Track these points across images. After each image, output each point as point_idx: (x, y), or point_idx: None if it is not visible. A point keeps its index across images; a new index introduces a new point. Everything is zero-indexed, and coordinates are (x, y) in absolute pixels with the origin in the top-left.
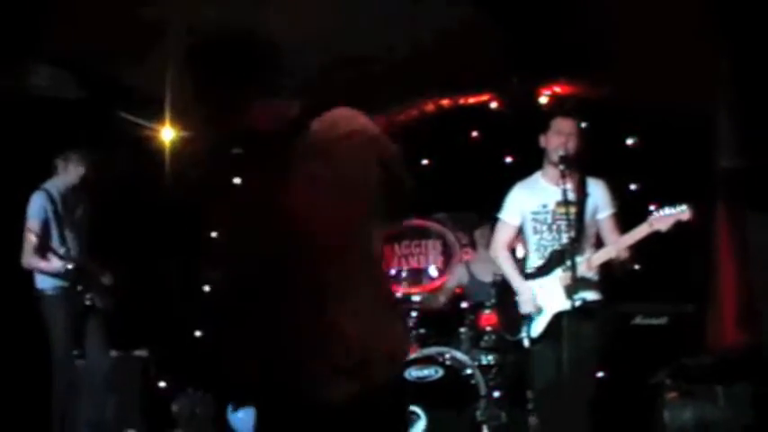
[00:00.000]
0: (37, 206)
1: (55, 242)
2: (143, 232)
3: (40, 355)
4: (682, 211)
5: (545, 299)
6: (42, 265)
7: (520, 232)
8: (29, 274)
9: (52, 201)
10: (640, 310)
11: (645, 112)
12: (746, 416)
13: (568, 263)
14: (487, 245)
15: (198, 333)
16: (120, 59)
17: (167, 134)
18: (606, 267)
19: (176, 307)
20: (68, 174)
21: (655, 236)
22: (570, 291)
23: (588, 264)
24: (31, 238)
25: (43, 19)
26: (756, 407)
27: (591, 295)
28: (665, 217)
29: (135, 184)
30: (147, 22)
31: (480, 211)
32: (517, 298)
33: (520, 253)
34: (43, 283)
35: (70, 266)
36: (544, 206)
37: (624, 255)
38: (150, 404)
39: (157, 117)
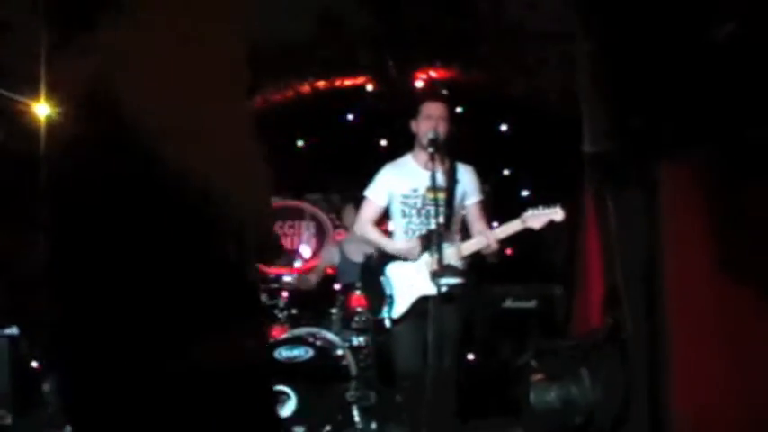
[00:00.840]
0: None
1: None
2: (14, 208)
3: None
4: (554, 213)
5: (409, 282)
6: None
7: (387, 214)
8: None
9: None
10: (510, 293)
11: (516, 98)
12: (610, 396)
13: (435, 249)
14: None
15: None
16: None
17: (42, 110)
18: (474, 255)
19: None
20: None
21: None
22: (436, 276)
23: (458, 252)
24: None
25: None
26: (620, 387)
27: (455, 280)
28: (538, 216)
29: (7, 161)
30: None
31: (352, 192)
32: (390, 269)
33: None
34: None
35: None
36: (415, 190)
37: (493, 247)
38: (21, 383)
39: (32, 92)
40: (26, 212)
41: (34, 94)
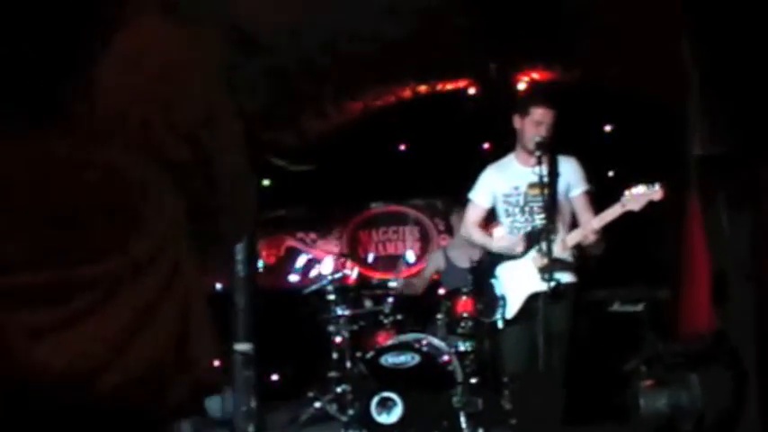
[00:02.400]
0: None
1: None
2: None
3: None
4: (653, 191)
5: (519, 281)
6: None
7: (494, 216)
8: None
9: None
10: (617, 297)
11: (620, 99)
12: (721, 402)
13: (543, 244)
14: None
15: None
16: None
17: None
18: (580, 248)
19: None
20: None
21: (628, 216)
22: (545, 272)
23: (563, 244)
24: None
25: None
26: (730, 392)
27: (565, 277)
28: (637, 197)
29: None
30: None
31: (456, 196)
32: (500, 270)
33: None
34: None
35: None
36: (516, 188)
37: (591, 238)
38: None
39: None
40: None
41: None
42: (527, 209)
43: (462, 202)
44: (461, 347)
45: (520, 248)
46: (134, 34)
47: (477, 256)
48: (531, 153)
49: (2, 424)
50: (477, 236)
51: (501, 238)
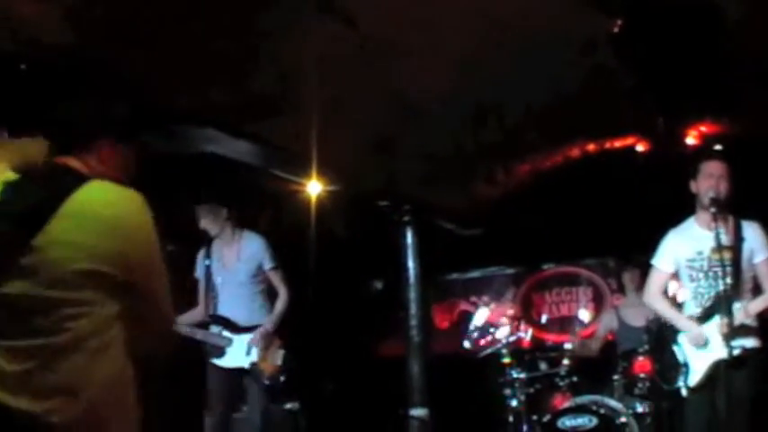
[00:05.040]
0: None
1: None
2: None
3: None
4: None
5: (703, 348)
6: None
7: (677, 278)
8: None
9: None
10: None
11: None
12: None
13: (726, 310)
14: (636, 289)
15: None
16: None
17: (314, 188)
18: (763, 313)
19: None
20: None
21: None
22: (729, 338)
23: (746, 311)
24: None
25: None
26: None
27: (750, 342)
28: None
29: (281, 240)
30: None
31: (628, 254)
32: (683, 336)
33: (681, 298)
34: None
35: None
36: (699, 253)
37: None
38: None
39: (304, 171)
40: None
41: (306, 174)
42: (710, 273)
43: (634, 262)
44: (639, 408)
45: (701, 341)
46: (81, 196)
47: (651, 314)
48: (707, 210)
49: None
50: (662, 307)
51: (687, 322)
